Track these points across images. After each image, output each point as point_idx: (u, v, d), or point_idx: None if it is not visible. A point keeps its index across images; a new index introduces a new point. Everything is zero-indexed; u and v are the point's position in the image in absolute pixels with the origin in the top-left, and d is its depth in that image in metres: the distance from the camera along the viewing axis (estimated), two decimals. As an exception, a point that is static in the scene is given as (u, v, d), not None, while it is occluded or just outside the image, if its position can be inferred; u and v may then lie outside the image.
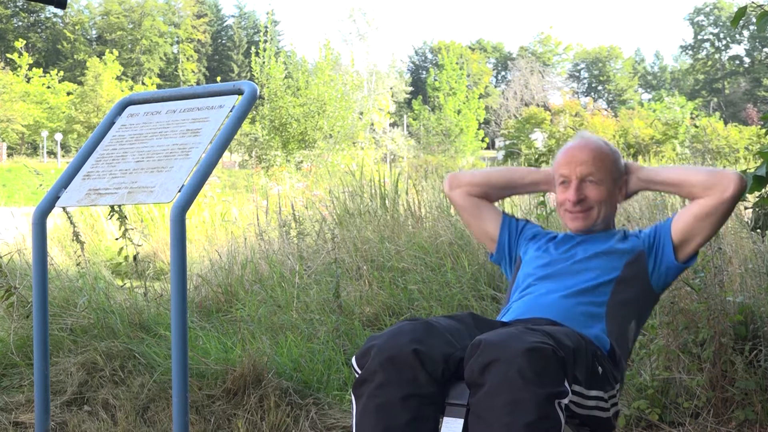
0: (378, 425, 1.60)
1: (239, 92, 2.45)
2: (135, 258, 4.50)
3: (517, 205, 5.27)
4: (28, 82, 44.74)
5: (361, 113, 24.05)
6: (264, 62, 18.82)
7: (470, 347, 1.63)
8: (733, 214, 3.94)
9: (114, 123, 2.67)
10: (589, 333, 1.89)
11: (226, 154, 19.32)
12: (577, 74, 74.54)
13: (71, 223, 4.56)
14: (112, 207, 4.22)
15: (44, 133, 42.41)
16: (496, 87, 68.96)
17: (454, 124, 38.82)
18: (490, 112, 52.40)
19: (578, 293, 1.98)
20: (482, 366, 1.57)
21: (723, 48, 71.03)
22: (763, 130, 3.16)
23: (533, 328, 1.68)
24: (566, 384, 1.57)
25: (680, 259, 2.03)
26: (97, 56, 51.37)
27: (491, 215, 2.31)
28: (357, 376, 1.69)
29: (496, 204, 2.41)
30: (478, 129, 42.03)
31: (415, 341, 1.65)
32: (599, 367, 1.77)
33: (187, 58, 65.17)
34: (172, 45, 67.13)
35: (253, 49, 19.83)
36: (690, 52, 73.29)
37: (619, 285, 2.00)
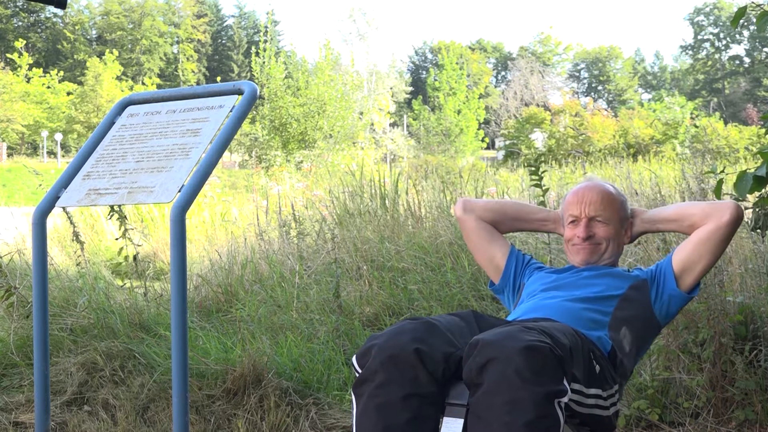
0: (378, 424, 1.60)
1: (239, 92, 2.45)
2: (135, 258, 4.50)
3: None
4: (28, 82, 44.74)
5: (361, 113, 24.05)
6: (264, 62, 18.82)
7: (468, 347, 1.64)
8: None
9: (114, 123, 2.67)
10: (592, 335, 1.89)
11: (226, 154, 19.33)
12: (577, 74, 74.52)
13: (71, 223, 4.56)
14: (112, 207, 4.22)
15: (44, 133, 42.41)
16: (496, 87, 68.96)
17: (454, 124, 38.82)
18: (490, 112, 52.39)
19: (584, 300, 2.02)
20: (480, 366, 1.57)
21: (723, 48, 71.03)
22: (763, 130, 3.16)
23: (530, 326, 1.68)
24: (565, 383, 1.57)
25: (682, 288, 2.09)
26: (97, 56, 51.38)
27: (500, 243, 2.37)
28: (357, 375, 1.69)
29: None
30: (478, 129, 42.02)
31: (416, 340, 1.65)
32: (597, 366, 1.78)
33: (187, 58, 65.17)
34: (172, 45, 67.13)
35: (253, 49, 19.83)
36: (690, 52, 73.28)
37: (623, 302, 2.05)
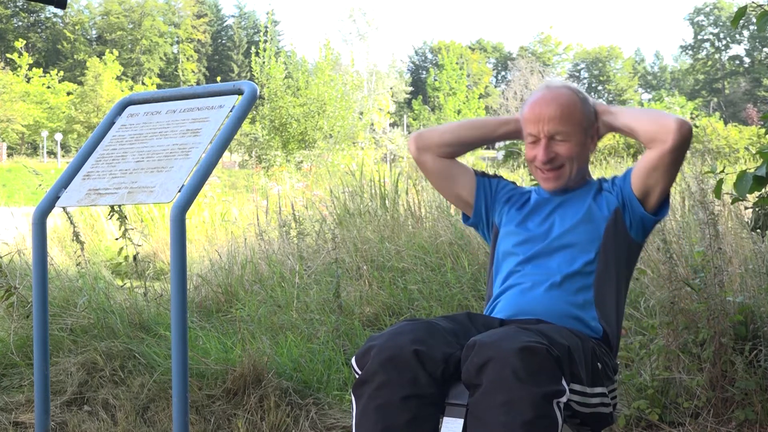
0: (377, 425, 1.60)
1: (239, 92, 2.45)
2: (135, 258, 4.50)
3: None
4: (28, 82, 44.77)
5: (361, 113, 24.05)
6: (264, 62, 18.83)
7: (465, 348, 1.64)
8: (732, 214, 3.96)
9: (114, 123, 2.67)
10: (581, 327, 1.88)
11: (226, 154, 19.32)
12: (577, 74, 74.54)
13: (71, 223, 4.56)
14: (112, 207, 4.21)
15: (44, 133, 42.43)
16: (496, 87, 68.98)
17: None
18: (490, 112, 52.42)
19: (563, 281, 1.93)
20: (477, 367, 1.57)
21: (723, 48, 71.05)
22: (763, 130, 3.15)
23: (527, 327, 1.68)
24: (564, 383, 1.56)
25: (650, 211, 1.98)
26: (97, 56, 51.41)
27: (464, 178, 2.19)
28: (357, 376, 1.69)
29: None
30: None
31: (415, 342, 1.64)
32: (599, 363, 1.77)
33: (187, 58, 65.19)
34: (172, 45, 67.15)
35: (253, 49, 19.84)
36: (690, 52, 73.31)
37: (603, 254, 1.95)
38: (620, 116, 2.03)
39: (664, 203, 1.99)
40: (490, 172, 2.34)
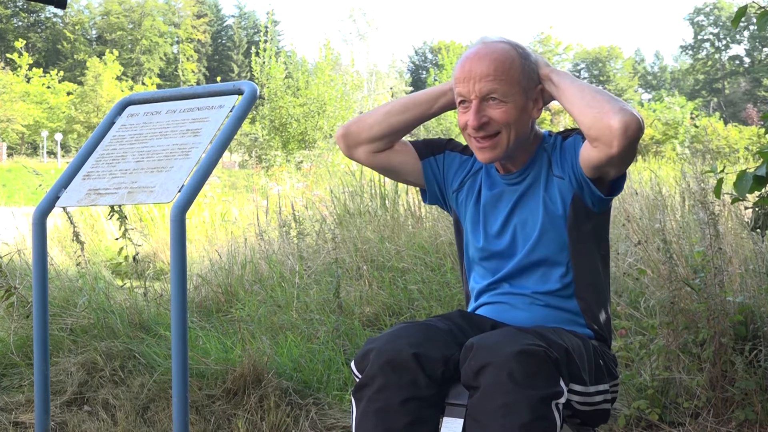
0: (377, 429, 1.60)
1: (239, 92, 2.45)
2: (135, 258, 4.50)
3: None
4: (28, 82, 44.78)
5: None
6: (264, 62, 18.82)
7: (463, 350, 1.63)
8: (732, 214, 3.96)
9: (114, 123, 2.67)
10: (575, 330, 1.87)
11: (226, 154, 19.31)
12: (577, 74, 74.47)
13: (71, 223, 4.56)
14: (112, 207, 4.21)
15: (44, 133, 42.44)
16: (496, 87, 68.88)
17: (454, 124, 38.80)
18: (490, 112, 52.32)
19: (543, 301, 1.84)
20: (475, 370, 1.57)
21: (723, 48, 71.04)
22: (763, 130, 3.15)
23: (525, 329, 1.68)
24: (562, 384, 1.56)
25: (605, 193, 1.78)
26: (97, 56, 51.43)
27: (408, 165, 1.98)
28: (357, 380, 1.69)
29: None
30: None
31: (414, 344, 1.64)
32: (601, 361, 1.77)
33: (187, 58, 65.18)
34: (172, 45, 67.15)
35: (253, 49, 19.83)
36: (690, 52, 73.30)
37: (574, 259, 1.81)
38: (563, 91, 1.75)
39: (619, 180, 1.79)
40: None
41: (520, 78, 1.74)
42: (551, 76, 1.78)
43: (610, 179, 1.77)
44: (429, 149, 2.01)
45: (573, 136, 1.83)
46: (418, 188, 2.09)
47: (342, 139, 1.99)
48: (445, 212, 2.13)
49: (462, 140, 2.00)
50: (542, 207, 1.81)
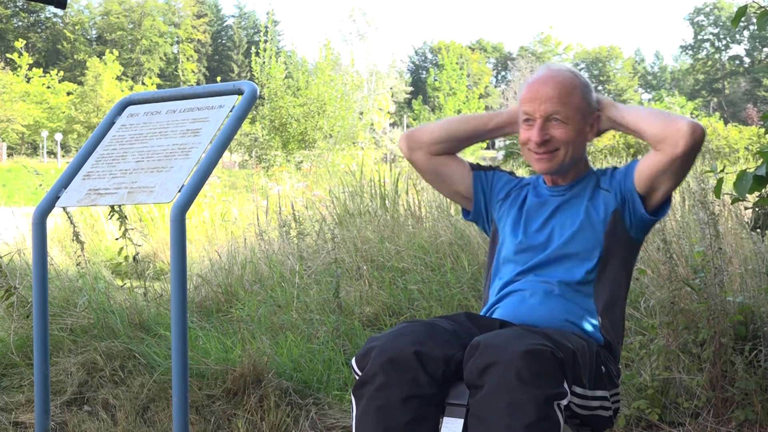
0: (378, 426, 1.60)
1: (239, 92, 2.44)
2: (135, 258, 4.50)
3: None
4: (28, 82, 44.77)
5: (361, 113, 24.05)
6: (264, 62, 18.82)
7: (469, 348, 1.63)
8: (732, 214, 3.96)
9: (114, 123, 2.67)
10: (583, 331, 1.88)
11: (226, 154, 19.31)
12: (579, 75, 74.48)
13: (71, 223, 4.55)
14: (112, 207, 4.21)
15: (44, 133, 42.43)
16: (496, 87, 68.99)
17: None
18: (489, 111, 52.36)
19: (563, 290, 1.89)
20: (481, 368, 1.57)
21: (723, 48, 71.05)
22: (763, 130, 3.15)
23: (532, 330, 1.68)
24: (565, 385, 1.57)
25: (650, 211, 1.91)
26: (97, 56, 51.43)
27: (460, 174, 2.14)
28: (357, 377, 1.69)
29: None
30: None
31: (416, 343, 1.64)
32: (602, 367, 1.77)
33: (187, 58, 65.19)
34: (172, 45, 67.16)
35: (253, 49, 19.83)
36: (690, 52, 73.32)
37: (604, 262, 1.91)
38: (626, 113, 1.95)
39: (665, 204, 1.93)
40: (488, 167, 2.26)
41: (581, 103, 1.93)
42: (614, 104, 1.99)
43: (658, 197, 1.90)
44: (480, 166, 2.19)
45: (626, 164, 2.00)
46: (460, 206, 2.25)
47: (405, 140, 2.15)
48: (482, 230, 2.27)
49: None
50: (583, 212, 1.95)
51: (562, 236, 1.94)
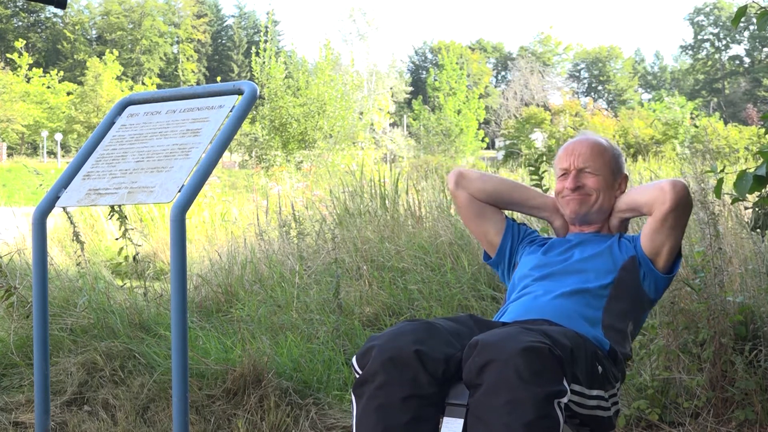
0: (378, 425, 1.60)
1: (239, 92, 2.44)
2: (135, 258, 4.50)
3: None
4: (28, 82, 44.75)
5: (361, 113, 24.06)
6: (264, 62, 18.82)
7: (467, 348, 1.63)
8: (732, 214, 3.96)
9: (114, 123, 2.67)
10: (588, 333, 1.88)
11: (226, 154, 19.30)
12: (577, 74, 74.53)
13: (71, 223, 4.55)
14: (112, 207, 4.21)
15: (44, 133, 42.42)
16: (496, 87, 68.98)
17: (454, 124, 38.81)
18: (490, 112, 52.39)
19: (575, 293, 1.98)
20: (479, 366, 1.57)
21: (723, 48, 71.03)
22: (763, 130, 3.15)
23: (530, 328, 1.68)
24: (565, 383, 1.57)
25: (662, 271, 2.06)
26: (97, 56, 51.41)
27: (495, 220, 2.29)
28: (357, 376, 1.69)
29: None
30: (478, 129, 42.04)
31: (416, 342, 1.64)
32: (599, 366, 1.77)
33: (187, 58, 65.19)
34: (172, 45, 67.15)
35: (253, 49, 19.82)
36: (690, 52, 73.29)
37: (616, 288, 2.01)
38: (621, 202, 2.15)
39: (676, 261, 2.07)
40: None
41: (610, 162, 2.16)
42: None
43: (665, 256, 2.04)
44: (516, 222, 2.35)
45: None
46: (482, 248, 2.40)
47: (455, 176, 2.30)
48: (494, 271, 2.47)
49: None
50: (606, 245, 2.10)
51: (581, 255, 2.08)
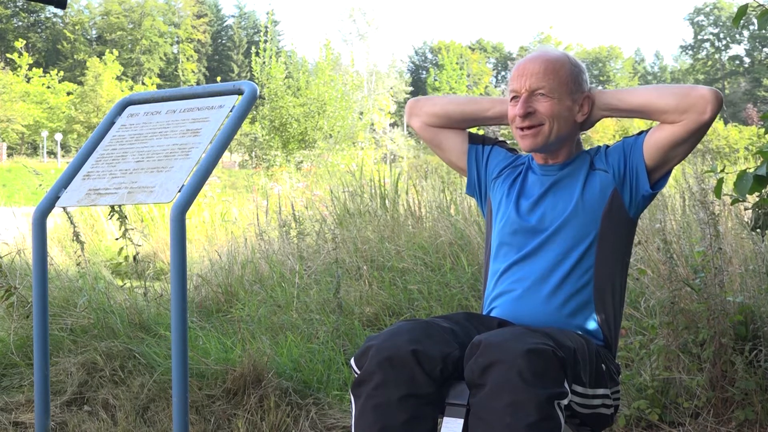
0: (375, 425, 1.60)
1: (239, 92, 2.44)
2: (135, 258, 4.50)
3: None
4: (28, 82, 44.80)
5: (361, 113, 24.04)
6: (264, 62, 18.81)
7: (470, 347, 1.63)
8: (732, 214, 3.96)
9: (114, 123, 2.67)
10: (587, 333, 1.88)
11: (226, 154, 19.31)
12: (577, 74, 74.46)
13: (71, 223, 4.56)
14: (112, 207, 4.22)
15: (44, 133, 42.45)
16: (496, 87, 68.98)
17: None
18: (490, 111, 52.36)
19: (559, 285, 1.87)
20: (482, 367, 1.56)
21: (723, 48, 71.04)
22: (763, 130, 3.15)
23: (533, 329, 1.68)
24: (566, 385, 1.57)
25: (652, 183, 1.89)
26: (97, 56, 51.44)
27: (455, 145, 2.14)
28: (356, 376, 1.69)
29: None
30: (478, 129, 42.04)
31: (413, 341, 1.64)
32: (603, 365, 1.77)
33: (187, 58, 65.21)
34: (172, 45, 67.16)
35: (253, 49, 19.82)
36: (690, 52, 73.31)
37: (600, 246, 1.88)
38: (627, 95, 1.91)
39: (666, 176, 1.91)
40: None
41: (568, 80, 1.90)
42: (606, 90, 1.95)
43: (665, 170, 1.88)
44: (480, 139, 2.16)
45: (619, 141, 1.96)
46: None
47: (409, 105, 2.20)
48: (479, 207, 2.28)
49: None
50: (578, 194, 1.91)
51: (554, 220, 1.91)
